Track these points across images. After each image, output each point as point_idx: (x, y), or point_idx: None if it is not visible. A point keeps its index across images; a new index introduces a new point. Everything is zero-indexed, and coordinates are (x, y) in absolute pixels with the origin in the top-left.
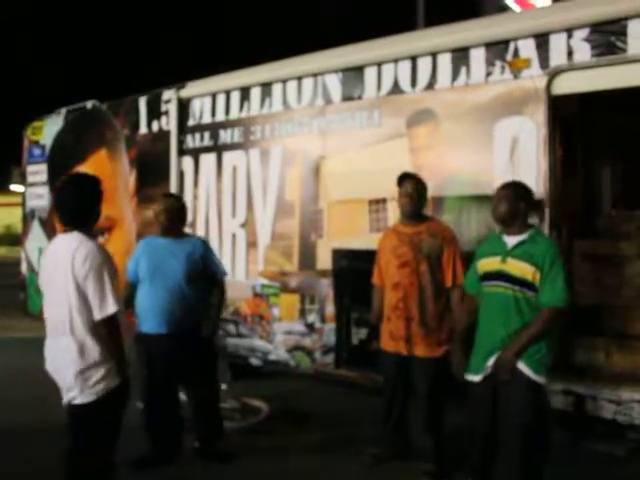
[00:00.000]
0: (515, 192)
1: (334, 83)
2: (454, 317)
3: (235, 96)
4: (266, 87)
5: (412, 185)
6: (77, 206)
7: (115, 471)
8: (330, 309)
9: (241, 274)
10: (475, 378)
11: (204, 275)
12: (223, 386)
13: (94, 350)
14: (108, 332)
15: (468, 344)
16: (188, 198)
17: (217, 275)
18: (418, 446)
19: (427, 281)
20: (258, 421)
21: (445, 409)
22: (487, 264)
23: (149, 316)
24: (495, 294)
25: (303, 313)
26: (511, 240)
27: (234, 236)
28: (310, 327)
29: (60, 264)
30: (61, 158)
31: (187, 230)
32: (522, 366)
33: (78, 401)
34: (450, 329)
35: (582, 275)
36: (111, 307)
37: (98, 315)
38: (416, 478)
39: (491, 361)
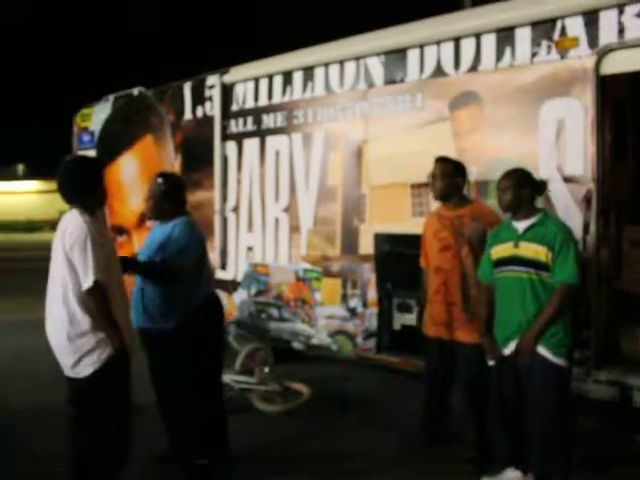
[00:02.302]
0: (517, 180)
1: (376, 66)
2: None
3: (278, 80)
4: (308, 71)
5: (437, 167)
6: (71, 184)
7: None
8: (372, 294)
9: (284, 258)
10: (506, 351)
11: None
12: (266, 369)
13: (83, 320)
14: (94, 301)
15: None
16: (232, 183)
17: (164, 261)
18: (460, 432)
19: (470, 265)
20: (299, 404)
21: (489, 395)
22: (500, 250)
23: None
24: (511, 279)
25: (345, 298)
26: (521, 225)
27: (277, 221)
28: (352, 312)
29: (58, 238)
30: (109, 144)
31: None
32: (542, 349)
33: (77, 374)
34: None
35: (632, 262)
36: (91, 278)
37: (84, 285)
38: (457, 464)
39: (511, 346)
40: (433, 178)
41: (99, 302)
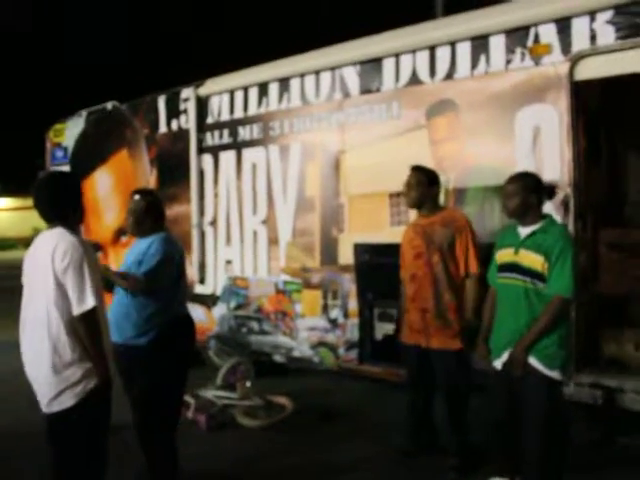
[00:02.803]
0: (523, 185)
1: (352, 76)
2: (466, 307)
3: (253, 92)
4: (284, 82)
5: (412, 176)
6: (52, 201)
7: None
8: (353, 304)
9: (263, 271)
10: (498, 365)
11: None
12: (247, 383)
13: (70, 348)
14: (85, 328)
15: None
16: (209, 196)
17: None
18: (444, 440)
19: (440, 272)
20: (282, 418)
21: (468, 402)
22: (503, 256)
23: None
24: (508, 286)
25: (326, 309)
26: (524, 231)
27: (255, 233)
28: (333, 323)
29: (40, 259)
30: (83, 159)
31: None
32: (534, 361)
33: (56, 408)
34: (467, 320)
35: (609, 265)
36: (89, 302)
37: (76, 310)
38: (442, 472)
39: (505, 355)
40: (407, 187)
41: (91, 329)
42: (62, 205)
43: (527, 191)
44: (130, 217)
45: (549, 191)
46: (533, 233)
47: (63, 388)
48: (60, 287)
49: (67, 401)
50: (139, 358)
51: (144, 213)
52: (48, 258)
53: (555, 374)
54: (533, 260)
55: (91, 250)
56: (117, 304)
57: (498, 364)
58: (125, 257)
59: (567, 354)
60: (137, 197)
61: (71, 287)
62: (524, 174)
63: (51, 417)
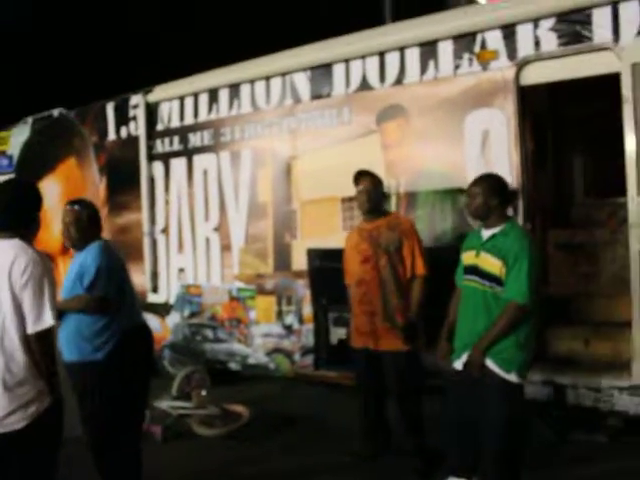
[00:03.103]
0: (486, 187)
1: (302, 82)
2: (412, 307)
3: (203, 98)
4: (234, 88)
5: (368, 181)
6: (10, 210)
7: None
8: (307, 310)
9: (216, 278)
10: (458, 366)
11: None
12: (203, 392)
13: (23, 366)
14: (40, 347)
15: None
16: (160, 204)
17: (82, 286)
18: (400, 442)
19: (387, 275)
20: (239, 426)
21: (421, 403)
22: (466, 258)
23: None
24: (470, 288)
25: (280, 315)
26: (486, 233)
27: (208, 240)
28: (288, 329)
29: None
30: (29, 168)
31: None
32: (491, 364)
33: (8, 428)
34: (410, 318)
35: (557, 265)
36: (47, 321)
37: (31, 328)
38: (401, 475)
39: (464, 357)
40: (365, 192)
41: (46, 348)
42: (21, 214)
43: (488, 193)
44: (70, 228)
45: (510, 195)
46: (493, 236)
47: (15, 408)
48: (16, 302)
49: (18, 422)
50: (97, 373)
51: (79, 223)
52: (5, 271)
53: (512, 377)
54: (491, 264)
55: (50, 265)
56: (67, 322)
57: (458, 365)
58: (68, 271)
59: (526, 358)
60: (73, 207)
61: (28, 304)
62: (487, 176)
63: (1, 438)
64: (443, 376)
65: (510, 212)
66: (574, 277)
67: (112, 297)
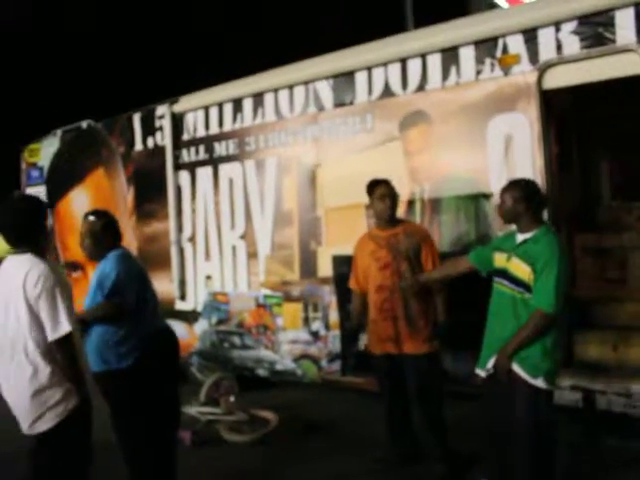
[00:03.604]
0: (513, 193)
1: (325, 89)
2: (437, 310)
3: (228, 108)
4: (258, 97)
5: (388, 188)
6: (14, 228)
7: None
8: (334, 316)
9: (243, 286)
10: (481, 373)
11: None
12: (231, 398)
13: (48, 372)
14: (63, 352)
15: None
16: (186, 212)
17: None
18: (426, 446)
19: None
20: (267, 432)
21: (443, 407)
22: (498, 260)
23: None
24: (500, 292)
25: (307, 321)
26: (519, 238)
27: (234, 248)
28: (315, 335)
29: (12, 286)
30: (59, 179)
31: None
32: (517, 369)
33: (38, 429)
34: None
35: (584, 269)
36: (64, 328)
37: (51, 336)
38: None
39: (491, 361)
40: (388, 198)
41: (68, 353)
42: (30, 230)
43: (516, 198)
44: (85, 239)
45: (544, 200)
46: (525, 241)
47: (44, 411)
48: (33, 314)
49: (49, 422)
50: (124, 382)
51: (98, 234)
52: (20, 285)
53: (539, 382)
54: (521, 269)
55: (62, 277)
56: (91, 334)
57: (483, 372)
58: (90, 280)
59: (553, 365)
60: (92, 218)
61: (45, 314)
62: (516, 182)
63: (33, 437)
64: (462, 381)
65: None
66: (602, 281)
67: (130, 304)
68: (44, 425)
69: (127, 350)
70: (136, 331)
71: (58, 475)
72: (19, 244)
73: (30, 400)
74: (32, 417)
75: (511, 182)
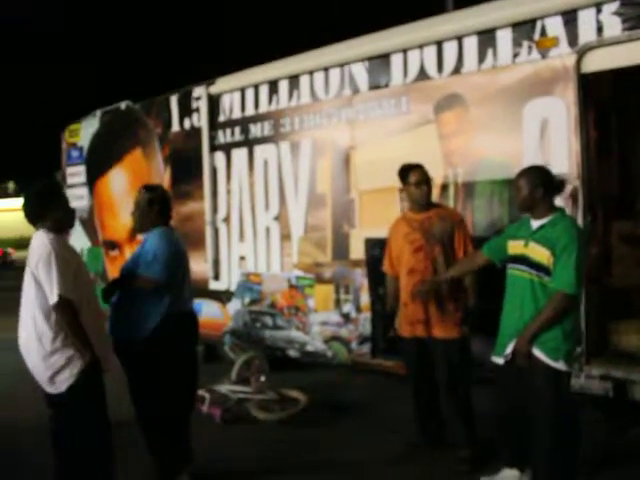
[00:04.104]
0: (527, 179)
1: (361, 72)
2: (469, 295)
3: (264, 90)
4: (294, 79)
5: (424, 174)
6: (30, 207)
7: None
8: (365, 299)
9: (276, 267)
10: (499, 360)
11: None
12: (262, 378)
13: (50, 337)
14: (61, 316)
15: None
16: (221, 193)
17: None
18: (452, 431)
19: (441, 264)
20: (296, 412)
21: (472, 391)
22: (513, 247)
23: None
24: (517, 277)
25: (338, 303)
26: (535, 224)
27: (268, 229)
28: (346, 317)
29: (28, 258)
30: (98, 159)
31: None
32: (538, 352)
33: (53, 391)
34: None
35: (621, 257)
36: (56, 293)
37: (50, 300)
38: (452, 464)
39: (510, 346)
40: (425, 183)
41: (66, 317)
42: (41, 212)
43: (532, 185)
44: (136, 211)
45: (558, 185)
46: (542, 226)
47: (53, 372)
48: (36, 281)
49: (61, 385)
50: (141, 351)
51: (148, 208)
52: (29, 256)
53: (560, 365)
54: (540, 253)
55: (65, 250)
56: (117, 302)
57: (501, 359)
58: (133, 254)
59: (573, 346)
60: (144, 191)
61: (43, 281)
62: (530, 168)
63: (50, 397)
64: (489, 367)
65: (560, 202)
66: (638, 270)
67: (164, 281)
68: (54, 389)
69: (147, 323)
70: (159, 307)
71: (74, 439)
72: (34, 223)
73: (40, 364)
74: (45, 377)
75: (525, 169)
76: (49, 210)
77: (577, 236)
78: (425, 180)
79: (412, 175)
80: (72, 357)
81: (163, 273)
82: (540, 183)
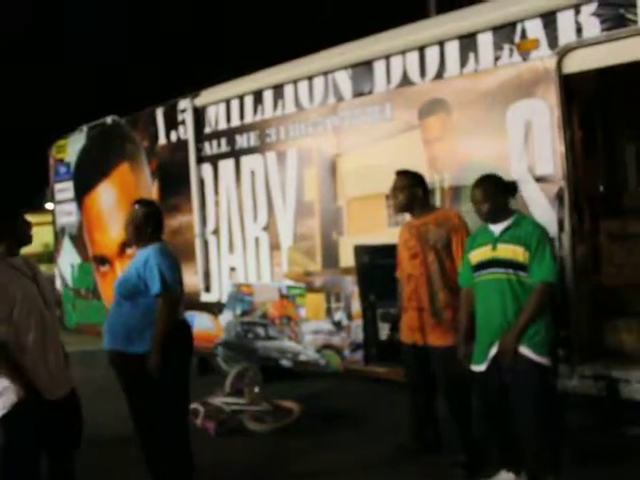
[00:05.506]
0: (489, 189)
1: (344, 79)
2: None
3: (249, 100)
4: (278, 89)
5: (397, 180)
6: None
7: None
8: (356, 306)
9: (266, 277)
10: (480, 368)
11: (138, 290)
12: (256, 389)
13: None
14: None
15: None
16: (210, 205)
17: (151, 291)
18: (449, 437)
19: (435, 271)
20: (290, 422)
21: (469, 398)
22: (479, 254)
23: None
24: (490, 281)
25: (330, 312)
26: (497, 228)
27: (257, 240)
28: (337, 325)
29: None
30: (86, 174)
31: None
32: (523, 349)
33: None
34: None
35: (609, 255)
36: None
37: None
38: (448, 469)
39: (494, 349)
40: (394, 191)
41: None
42: None
43: (494, 194)
44: (129, 226)
45: (512, 188)
46: (507, 228)
47: None
48: None
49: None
50: (138, 365)
51: (142, 222)
52: None
53: (544, 360)
54: (514, 252)
55: (7, 277)
56: (113, 313)
57: (482, 366)
58: (127, 266)
59: (554, 338)
60: (137, 206)
61: None
62: (484, 177)
63: None
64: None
65: (555, 203)
66: (627, 267)
67: (179, 291)
68: None
69: (144, 336)
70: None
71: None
72: None
73: None
74: None
75: (480, 180)
76: (4, 233)
77: (544, 230)
78: (401, 187)
79: (393, 181)
80: (6, 389)
81: (176, 286)
82: (500, 190)
